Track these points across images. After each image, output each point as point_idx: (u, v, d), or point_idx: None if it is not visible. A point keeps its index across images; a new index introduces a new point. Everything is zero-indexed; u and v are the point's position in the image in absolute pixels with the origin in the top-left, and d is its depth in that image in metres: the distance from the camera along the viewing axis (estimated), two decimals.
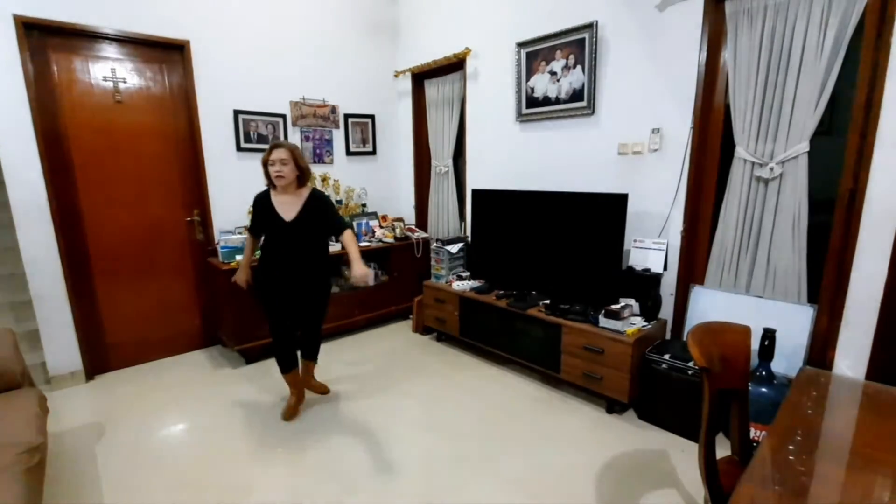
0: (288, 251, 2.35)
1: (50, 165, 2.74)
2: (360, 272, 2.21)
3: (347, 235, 2.34)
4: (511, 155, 3.44)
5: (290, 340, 2.50)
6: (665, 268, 2.58)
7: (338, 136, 4.04)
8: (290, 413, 2.52)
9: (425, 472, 2.08)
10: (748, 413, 1.46)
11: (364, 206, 4.15)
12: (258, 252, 2.49)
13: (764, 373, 2.11)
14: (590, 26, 2.77)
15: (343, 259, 3.13)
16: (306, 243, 2.37)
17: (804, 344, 2.17)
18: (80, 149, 2.89)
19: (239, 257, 3.07)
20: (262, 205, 2.37)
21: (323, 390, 2.76)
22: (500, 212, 3.25)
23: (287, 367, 2.52)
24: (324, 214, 2.39)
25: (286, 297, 2.40)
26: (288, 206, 2.33)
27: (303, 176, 2.35)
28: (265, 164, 2.31)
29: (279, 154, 2.26)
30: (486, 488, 1.96)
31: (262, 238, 2.43)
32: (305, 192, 2.38)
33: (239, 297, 3.06)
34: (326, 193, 3.83)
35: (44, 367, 2.85)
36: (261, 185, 2.44)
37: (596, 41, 2.77)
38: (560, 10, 2.94)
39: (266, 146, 3.59)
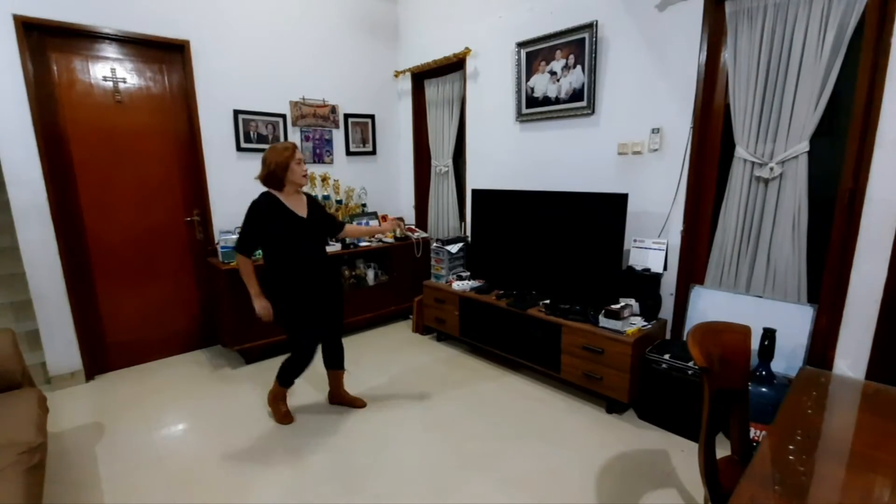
0: (309, 249, 2.31)
1: (50, 166, 2.74)
2: (390, 224, 2.71)
3: (349, 227, 2.61)
4: (511, 155, 3.44)
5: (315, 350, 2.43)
6: (665, 268, 2.58)
7: (338, 136, 4.04)
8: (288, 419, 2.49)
9: (425, 471, 2.08)
10: (748, 413, 1.46)
11: (364, 205, 4.15)
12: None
13: (764, 373, 2.11)
14: (590, 26, 2.76)
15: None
16: (320, 241, 2.42)
17: (804, 344, 2.17)
18: (80, 149, 2.89)
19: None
20: (271, 208, 2.21)
21: (360, 404, 2.61)
22: (500, 212, 3.25)
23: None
24: (322, 213, 2.45)
25: (317, 301, 2.34)
26: (299, 206, 2.32)
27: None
28: (286, 163, 2.19)
29: (302, 155, 2.30)
30: (486, 488, 1.96)
31: (260, 249, 2.28)
32: (302, 193, 2.40)
33: (239, 296, 3.06)
34: (326, 194, 3.94)
35: (44, 367, 2.85)
36: (259, 186, 2.39)
37: (596, 41, 2.76)
38: (560, 10, 2.94)
39: (267, 146, 3.65)
